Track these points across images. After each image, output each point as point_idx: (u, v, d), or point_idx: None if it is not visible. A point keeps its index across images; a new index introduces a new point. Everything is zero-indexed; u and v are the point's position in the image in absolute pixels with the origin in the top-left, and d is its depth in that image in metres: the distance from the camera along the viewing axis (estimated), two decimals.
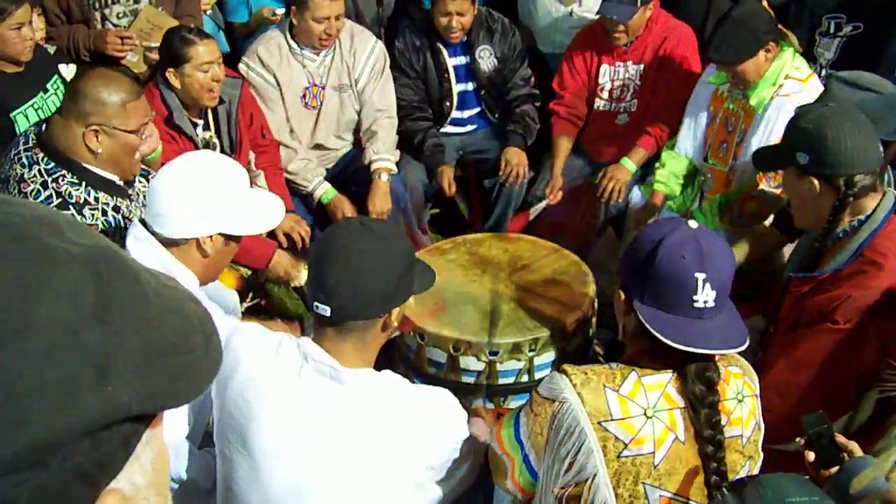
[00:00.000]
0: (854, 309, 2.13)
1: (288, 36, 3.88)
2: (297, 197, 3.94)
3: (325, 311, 1.70)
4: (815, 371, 2.19)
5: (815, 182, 2.21)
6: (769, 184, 3.16)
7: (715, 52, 3.23)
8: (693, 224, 1.73)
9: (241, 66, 3.87)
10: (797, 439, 1.78)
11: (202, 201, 2.11)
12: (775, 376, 2.23)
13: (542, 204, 4.07)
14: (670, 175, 3.65)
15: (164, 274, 0.71)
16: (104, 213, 2.43)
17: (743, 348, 1.70)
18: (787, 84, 3.17)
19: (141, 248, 2.09)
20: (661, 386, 1.68)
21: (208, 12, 4.29)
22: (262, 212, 2.27)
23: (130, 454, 0.64)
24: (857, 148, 2.16)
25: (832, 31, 3.71)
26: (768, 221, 3.22)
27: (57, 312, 0.58)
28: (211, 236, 2.13)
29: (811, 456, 1.74)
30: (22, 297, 0.58)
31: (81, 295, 0.60)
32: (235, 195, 2.17)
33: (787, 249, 3.07)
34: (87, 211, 2.41)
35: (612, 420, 1.65)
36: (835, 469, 1.71)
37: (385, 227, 1.81)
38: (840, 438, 1.74)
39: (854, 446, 1.73)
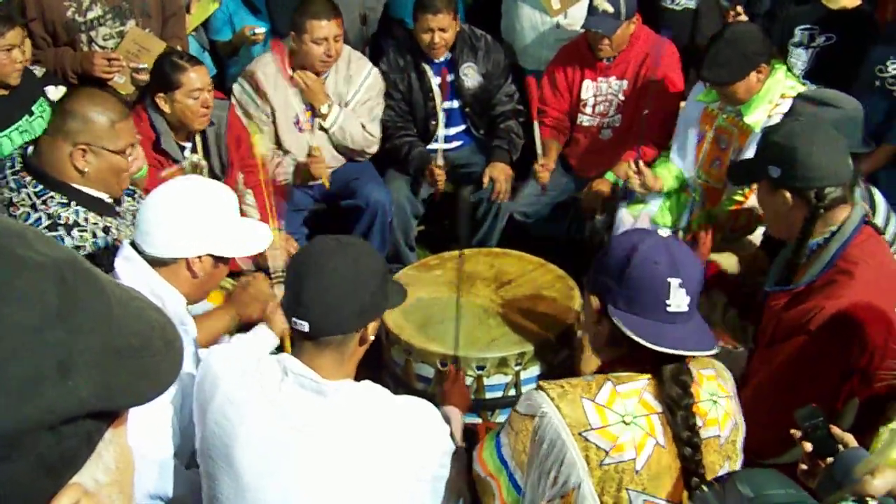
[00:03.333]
0: (828, 320, 2.15)
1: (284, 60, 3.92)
2: (288, 212, 3.96)
3: (303, 326, 1.74)
4: (793, 385, 2.21)
5: (788, 195, 2.24)
6: None
7: (707, 70, 3.27)
8: (663, 232, 1.78)
9: (236, 87, 3.92)
10: (792, 431, 1.80)
11: (192, 222, 2.13)
12: (755, 391, 2.25)
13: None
14: (667, 171, 3.69)
15: (130, 287, 0.76)
16: (94, 234, 2.45)
17: (713, 351, 1.75)
18: (783, 103, 3.20)
19: (128, 269, 2.11)
20: (636, 393, 1.71)
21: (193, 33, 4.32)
22: (251, 235, 2.30)
23: (93, 451, 0.68)
24: (827, 161, 2.20)
25: (805, 42, 3.79)
26: (757, 240, 3.27)
27: (22, 313, 0.63)
28: (200, 257, 2.15)
29: (808, 447, 1.76)
30: None
31: (46, 298, 0.64)
32: (225, 217, 2.20)
33: None
34: (76, 232, 2.42)
35: (591, 429, 1.67)
36: (830, 459, 1.73)
37: (359, 244, 1.85)
38: (836, 430, 1.77)
39: (849, 438, 1.76)
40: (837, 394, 2.19)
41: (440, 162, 4.08)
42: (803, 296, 2.24)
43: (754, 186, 3.16)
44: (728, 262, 2.92)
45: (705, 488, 1.51)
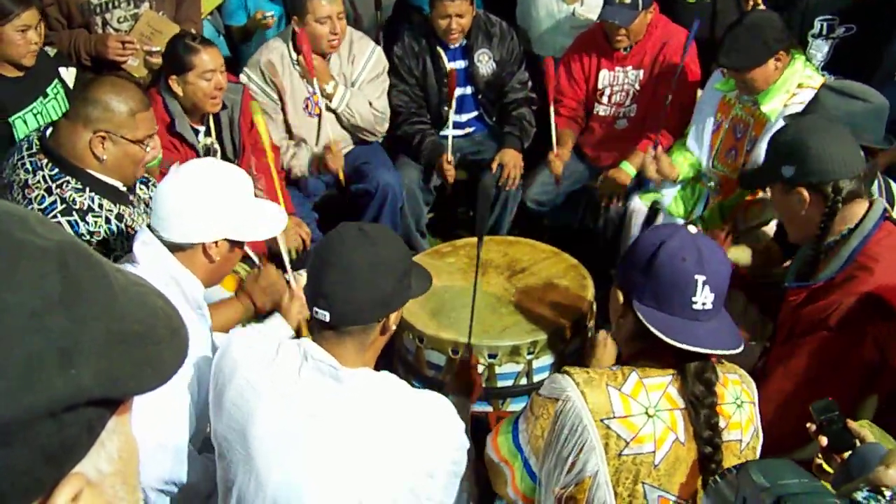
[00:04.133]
0: (847, 316, 2.14)
1: (290, 45, 3.90)
2: (299, 197, 3.96)
3: (325, 316, 1.73)
4: (812, 381, 2.19)
5: (804, 192, 2.22)
6: None
7: (724, 56, 3.24)
8: (692, 229, 1.77)
9: (242, 77, 3.90)
10: (808, 424, 1.78)
11: (208, 207, 2.12)
12: (773, 387, 2.23)
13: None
14: (682, 159, 3.66)
15: (133, 273, 0.74)
16: (107, 220, 2.45)
17: (738, 350, 1.72)
18: (800, 93, 3.19)
19: (148, 253, 2.10)
20: (662, 386, 1.70)
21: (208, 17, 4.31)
22: (266, 219, 2.29)
23: (95, 439, 0.67)
24: (840, 154, 2.18)
25: (824, 32, 3.74)
26: (771, 231, 3.24)
27: (23, 299, 0.61)
28: (216, 242, 2.14)
29: (824, 441, 1.75)
30: None
31: (48, 284, 0.63)
32: (240, 202, 2.19)
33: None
34: (90, 218, 2.41)
35: (614, 417, 1.67)
36: (847, 454, 1.72)
37: (382, 233, 1.82)
38: (852, 424, 1.76)
39: (866, 432, 1.75)
40: (857, 388, 2.17)
41: (450, 157, 4.07)
42: (822, 292, 2.22)
43: None
44: (742, 255, 2.89)
45: (719, 479, 1.50)
